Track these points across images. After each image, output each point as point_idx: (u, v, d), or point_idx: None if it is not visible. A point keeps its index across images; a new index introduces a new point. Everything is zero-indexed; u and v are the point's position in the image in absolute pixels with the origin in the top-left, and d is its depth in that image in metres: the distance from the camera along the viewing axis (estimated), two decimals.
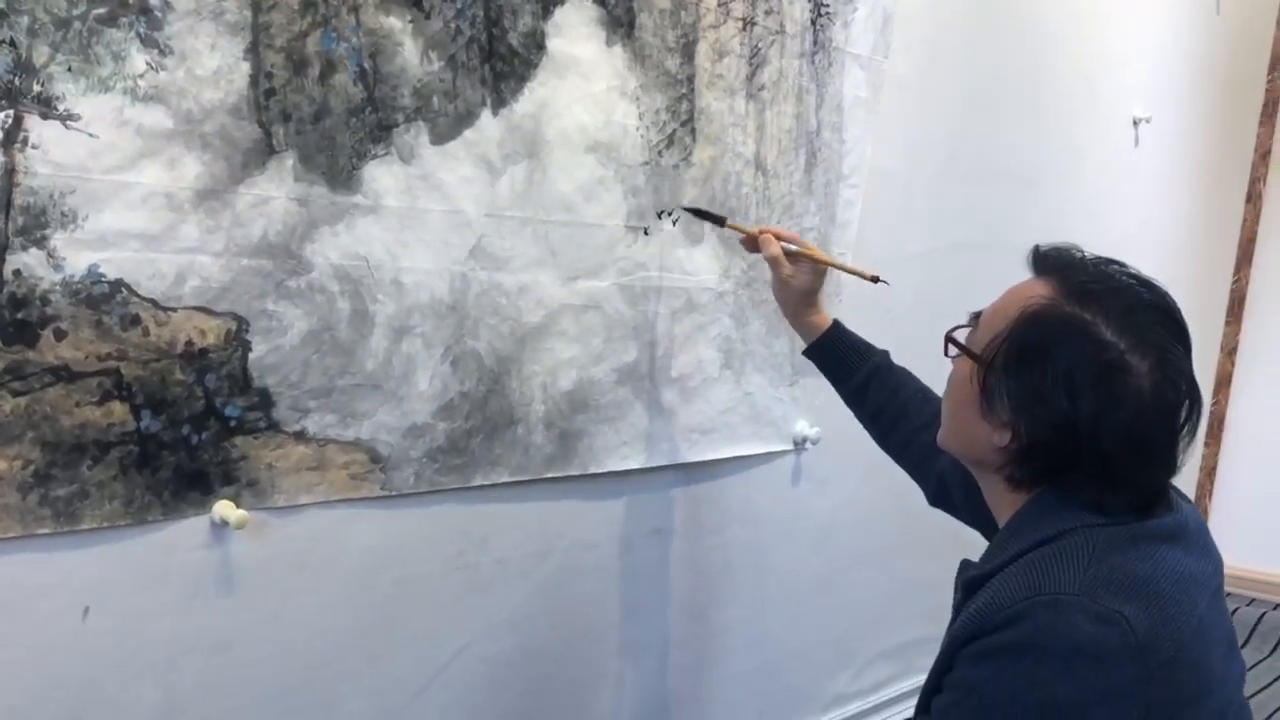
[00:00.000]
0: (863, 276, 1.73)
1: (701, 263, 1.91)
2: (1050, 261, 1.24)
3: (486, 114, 1.55)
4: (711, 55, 1.85)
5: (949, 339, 1.30)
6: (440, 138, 1.50)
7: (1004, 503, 1.26)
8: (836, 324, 1.74)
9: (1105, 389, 1.11)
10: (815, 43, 2.03)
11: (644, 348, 1.85)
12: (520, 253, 1.63)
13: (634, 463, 1.87)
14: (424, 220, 1.50)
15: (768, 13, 1.92)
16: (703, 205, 1.88)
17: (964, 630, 1.14)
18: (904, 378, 1.68)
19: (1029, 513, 1.21)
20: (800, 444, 2.21)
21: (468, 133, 1.53)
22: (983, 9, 2.46)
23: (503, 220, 1.60)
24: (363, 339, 1.47)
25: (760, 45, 1.92)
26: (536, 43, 1.59)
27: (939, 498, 1.60)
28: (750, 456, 2.13)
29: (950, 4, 2.35)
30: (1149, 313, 1.16)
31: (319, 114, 1.37)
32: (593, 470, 1.80)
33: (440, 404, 1.57)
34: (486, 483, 1.65)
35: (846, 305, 2.14)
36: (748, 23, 1.89)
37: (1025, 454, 1.18)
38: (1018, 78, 2.62)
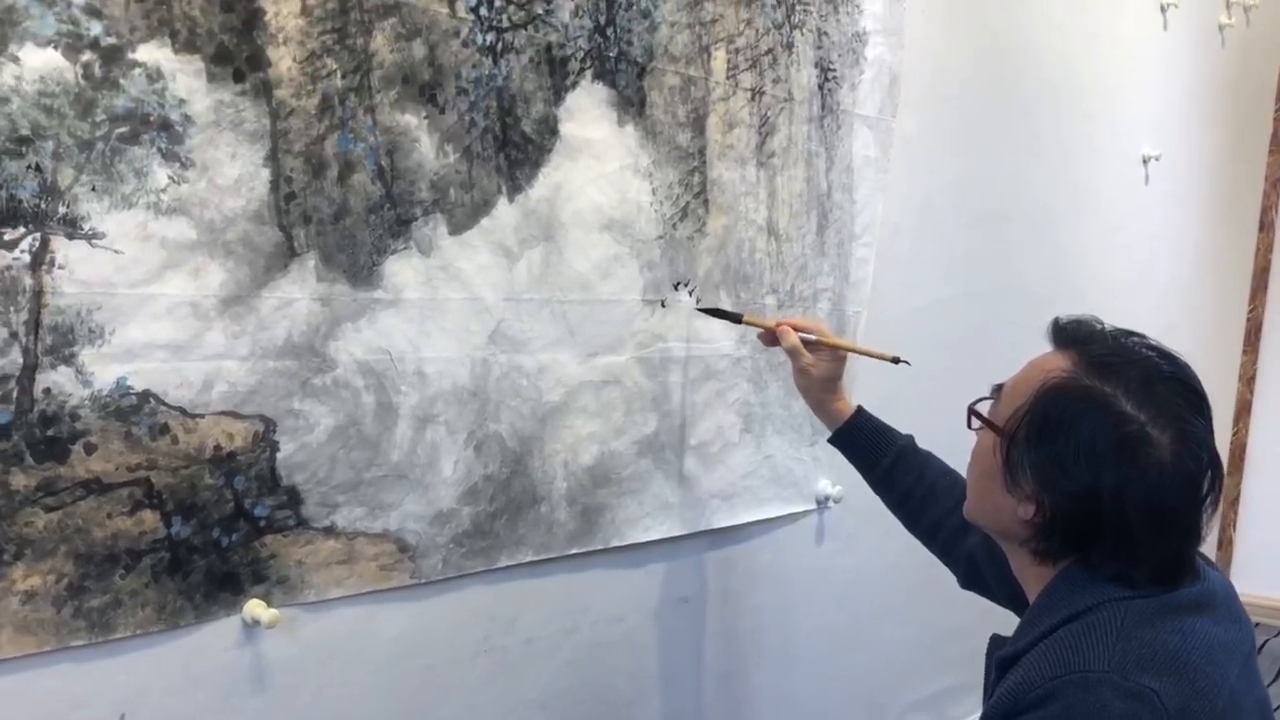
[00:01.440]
0: (883, 359, 1.73)
1: (718, 330, 1.92)
2: (1070, 334, 1.26)
3: (503, 201, 1.56)
4: (722, 127, 1.87)
5: (972, 411, 1.31)
6: (458, 228, 1.52)
7: (1031, 576, 1.27)
8: (860, 410, 1.75)
9: (1126, 461, 1.13)
10: (823, 107, 2.04)
11: (663, 418, 1.86)
12: (539, 334, 1.64)
13: (657, 533, 1.88)
14: (444, 309, 1.52)
15: (775, 81, 1.94)
16: (717, 275, 1.90)
17: (996, 710, 1.15)
18: (929, 461, 1.68)
19: (1056, 588, 1.22)
20: (823, 502, 2.22)
21: (484, 221, 1.55)
22: (986, 59, 2.47)
23: (521, 303, 1.61)
24: (388, 430, 1.48)
25: (769, 114, 1.94)
26: (549, 128, 1.61)
27: (970, 579, 1.60)
28: (774, 518, 2.13)
29: (953, 56, 2.37)
30: (1168, 385, 1.17)
31: (339, 214, 1.39)
32: (616, 543, 1.81)
33: (465, 489, 1.58)
34: (512, 563, 1.66)
35: (860, 359, 2.15)
36: (756, 93, 1.91)
37: (1049, 527, 1.20)
38: (1024, 123, 2.63)
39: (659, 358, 1.83)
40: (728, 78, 1.86)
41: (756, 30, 1.90)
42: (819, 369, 1.72)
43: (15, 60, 1.11)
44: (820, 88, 2.04)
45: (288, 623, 1.40)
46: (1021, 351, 2.53)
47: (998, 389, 1.31)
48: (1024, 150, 2.64)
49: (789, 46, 1.96)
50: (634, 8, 1.69)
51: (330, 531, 1.44)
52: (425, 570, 1.55)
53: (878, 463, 1.70)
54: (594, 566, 1.79)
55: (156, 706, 1.30)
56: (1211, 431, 1.20)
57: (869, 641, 2.40)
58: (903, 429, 1.76)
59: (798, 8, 1.96)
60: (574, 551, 1.75)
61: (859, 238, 2.18)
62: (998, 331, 2.58)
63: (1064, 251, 2.80)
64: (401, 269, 1.46)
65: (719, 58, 1.84)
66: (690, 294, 1.86)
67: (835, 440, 1.75)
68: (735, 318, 1.81)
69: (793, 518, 2.18)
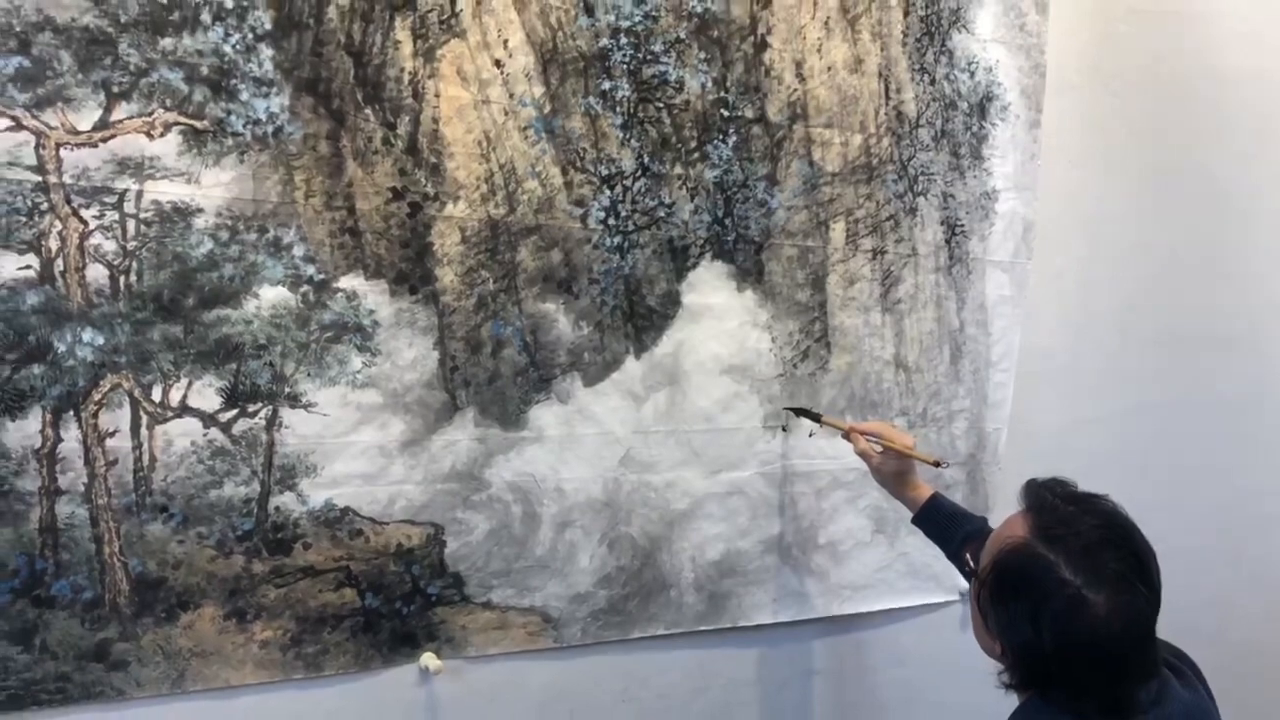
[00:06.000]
0: (926, 461, 1.89)
1: (844, 448, 2.15)
2: (1030, 500, 1.40)
3: (630, 359, 1.92)
4: (842, 283, 2.12)
5: (961, 555, 1.49)
6: (591, 381, 1.89)
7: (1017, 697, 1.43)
8: (935, 496, 1.91)
9: (1064, 622, 1.27)
10: (951, 258, 2.24)
11: (790, 521, 2.13)
12: (665, 457, 1.98)
13: (785, 616, 2.15)
14: (580, 442, 1.89)
15: (898, 241, 2.17)
16: (842, 403, 2.15)
17: None
18: None
19: (1020, 714, 1.38)
20: (966, 595, 2.36)
21: (615, 375, 1.91)
22: (1158, 191, 2.54)
23: (649, 435, 1.95)
24: (533, 533, 1.88)
25: (893, 268, 2.17)
26: (673, 300, 1.95)
27: None
28: (914, 606, 2.32)
29: (1105, 200, 2.46)
30: (1107, 549, 1.29)
31: (492, 378, 1.80)
32: (743, 624, 2.10)
33: (600, 576, 1.94)
34: (644, 635, 2.00)
35: (1016, 468, 2.30)
36: (878, 253, 2.15)
37: (1012, 667, 1.36)
38: (1206, 247, 2.64)
39: (782, 473, 2.11)
40: (847, 243, 2.11)
41: (877, 202, 2.14)
42: (887, 466, 1.91)
43: (257, 296, 1.61)
44: (948, 242, 2.23)
45: (455, 671, 1.82)
46: (1214, 459, 2.56)
47: (987, 534, 1.48)
48: (1206, 269, 2.64)
49: (912, 211, 2.18)
50: (750, 200, 2.00)
51: (487, 605, 1.85)
52: (566, 637, 1.93)
53: (950, 542, 1.85)
54: (724, 640, 2.09)
55: None
56: (1148, 587, 1.30)
57: None
58: None
59: (921, 178, 2.18)
60: (702, 629, 2.06)
61: (996, 364, 2.34)
62: (1178, 444, 2.62)
63: (1257, 369, 2.75)
64: (543, 414, 1.86)
65: (837, 229, 2.10)
66: (815, 420, 2.11)
67: (915, 522, 1.92)
68: (815, 416, 2.04)
69: (935, 606, 2.35)
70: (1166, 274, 2.60)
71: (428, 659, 1.80)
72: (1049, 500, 1.37)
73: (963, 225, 2.24)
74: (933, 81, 2.16)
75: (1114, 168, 2.46)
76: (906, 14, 2.11)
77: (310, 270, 1.64)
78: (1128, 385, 2.57)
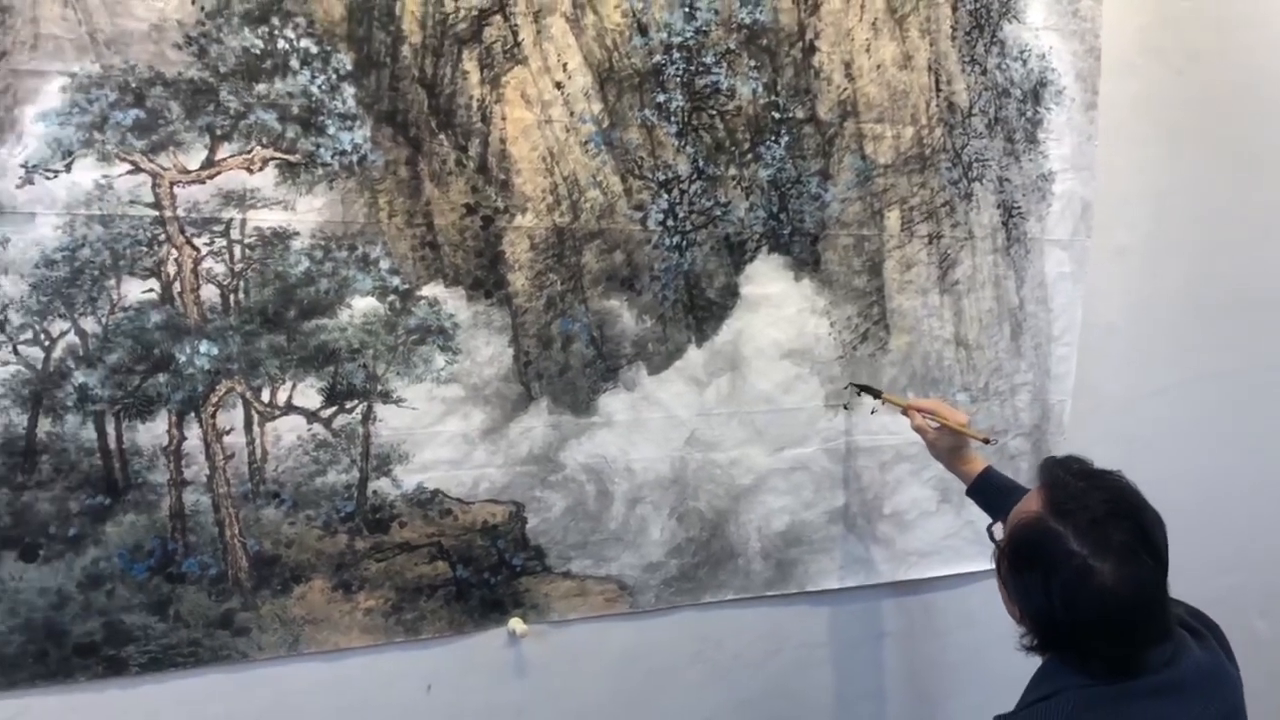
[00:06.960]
0: (976, 437, 1.96)
1: (907, 423, 2.23)
2: (1045, 476, 1.49)
3: (692, 348, 2.04)
4: (899, 268, 2.19)
5: (989, 530, 1.59)
6: (656, 369, 2.02)
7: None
8: (987, 470, 1.98)
9: (1072, 590, 1.35)
10: (1009, 239, 2.29)
11: (853, 493, 2.23)
12: (729, 436, 2.10)
13: (852, 582, 2.25)
14: (647, 426, 2.03)
15: (954, 225, 2.23)
16: (904, 381, 2.23)
17: None
18: None
19: (1039, 673, 1.48)
20: None
21: (677, 363, 2.04)
22: (1223, 163, 2.54)
23: (712, 417, 2.08)
24: (606, 509, 2.02)
25: (949, 251, 2.23)
26: (731, 292, 2.06)
27: None
28: (981, 571, 2.38)
29: (1180, 173, 2.48)
30: (1113, 522, 1.37)
31: (563, 370, 1.95)
32: (810, 589, 2.21)
33: (671, 547, 2.08)
34: (714, 600, 2.13)
35: (1082, 437, 2.35)
36: (934, 237, 2.21)
37: (1031, 631, 1.45)
38: (1276, 216, 2.61)
39: (845, 448, 2.20)
40: (902, 230, 2.18)
41: (931, 190, 2.20)
42: (943, 442, 2.00)
43: (349, 306, 1.79)
44: (1005, 224, 2.28)
45: (539, 635, 1.99)
46: None
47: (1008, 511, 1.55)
48: (1276, 239, 2.62)
49: (967, 196, 2.23)
50: (804, 195, 2.09)
51: (567, 575, 2.01)
52: (641, 603, 2.08)
53: (999, 513, 1.90)
54: (795, 604, 2.20)
55: (450, 683, 1.94)
56: (1153, 556, 1.36)
57: None
58: None
59: (975, 164, 2.23)
60: (771, 594, 2.18)
61: (1058, 339, 2.38)
62: (1249, 409, 2.62)
63: None
64: (612, 401, 2.00)
65: (893, 216, 2.17)
66: (876, 397, 2.19)
67: (968, 494, 1.99)
68: (876, 393, 2.13)
69: None
70: (1234, 244, 2.59)
71: (515, 623, 1.97)
72: (1061, 477, 1.45)
73: (1019, 207, 2.29)
74: (984, 72, 2.20)
75: (1179, 143, 2.46)
76: (955, 9, 2.16)
77: (395, 281, 1.81)
78: (1194, 355, 2.58)
